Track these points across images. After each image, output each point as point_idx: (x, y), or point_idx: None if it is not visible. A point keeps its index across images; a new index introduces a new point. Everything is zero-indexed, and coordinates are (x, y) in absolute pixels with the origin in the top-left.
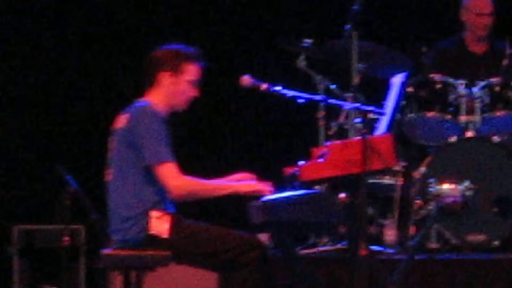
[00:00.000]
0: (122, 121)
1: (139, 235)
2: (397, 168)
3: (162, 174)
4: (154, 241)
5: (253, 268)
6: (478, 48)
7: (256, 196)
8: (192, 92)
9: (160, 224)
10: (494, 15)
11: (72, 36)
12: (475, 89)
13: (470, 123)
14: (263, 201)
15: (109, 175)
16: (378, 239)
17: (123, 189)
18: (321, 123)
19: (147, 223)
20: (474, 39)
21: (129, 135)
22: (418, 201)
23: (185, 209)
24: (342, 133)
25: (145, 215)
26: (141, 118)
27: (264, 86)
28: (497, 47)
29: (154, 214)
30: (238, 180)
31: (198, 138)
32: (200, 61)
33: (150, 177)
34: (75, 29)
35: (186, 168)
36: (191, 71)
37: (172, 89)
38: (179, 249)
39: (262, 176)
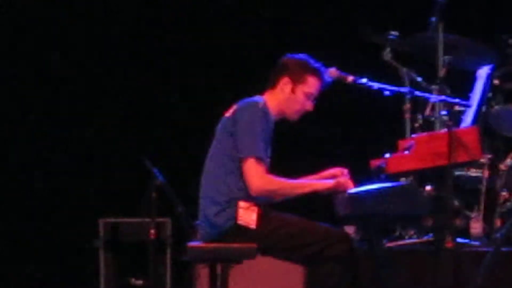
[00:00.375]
0: (231, 110)
1: (226, 223)
2: (483, 160)
3: (248, 169)
4: (241, 231)
5: (339, 261)
6: None
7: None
8: (306, 105)
9: (247, 215)
10: None
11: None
12: None
13: None
14: (349, 194)
15: (208, 160)
16: (464, 232)
17: (216, 175)
18: (407, 115)
19: (235, 212)
20: None
21: (232, 124)
22: (504, 194)
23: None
24: (428, 126)
25: (234, 204)
26: (247, 110)
27: (350, 78)
28: None
29: (242, 204)
30: (332, 176)
31: (285, 134)
32: (323, 78)
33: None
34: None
35: (274, 165)
36: (311, 84)
37: (289, 96)
38: (266, 241)
39: (349, 168)
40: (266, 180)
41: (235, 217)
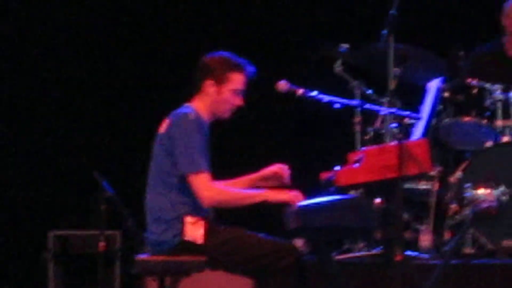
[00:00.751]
0: (164, 126)
1: (173, 240)
2: (432, 173)
3: (195, 184)
4: (189, 246)
5: (288, 274)
6: None
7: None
8: (236, 102)
9: (194, 230)
10: None
11: (114, 39)
12: (511, 94)
13: (507, 128)
14: (298, 207)
15: (149, 177)
16: (413, 244)
17: (159, 193)
18: (357, 128)
19: (182, 228)
20: None
21: (167, 141)
22: (453, 206)
23: (221, 214)
24: (378, 138)
25: (180, 220)
26: (180, 125)
27: (300, 91)
28: None
29: (188, 219)
30: (272, 173)
31: (234, 143)
32: (246, 71)
33: (185, 183)
34: (118, 31)
35: (220, 173)
36: (236, 81)
37: (215, 97)
38: (214, 255)
39: (298, 181)
40: (215, 191)
41: (182, 232)
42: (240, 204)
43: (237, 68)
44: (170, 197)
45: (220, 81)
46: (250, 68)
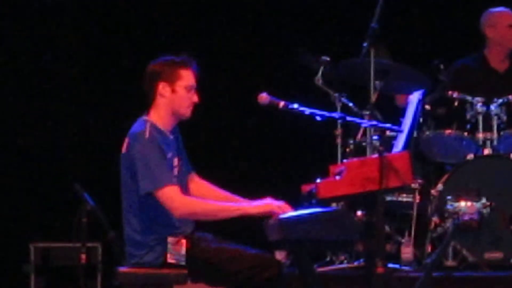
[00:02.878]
0: (124, 145)
1: (156, 261)
2: (414, 185)
3: (162, 198)
4: (171, 266)
5: (269, 286)
6: (500, 65)
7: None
8: (192, 98)
9: (177, 251)
10: None
11: (89, 55)
12: (492, 107)
13: (488, 140)
14: (280, 219)
15: (122, 199)
16: (395, 257)
17: (133, 215)
18: (339, 140)
19: (163, 250)
20: (500, 55)
21: (129, 162)
22: (435, 219)
23: (203, 226)
24: (359, 151)
25: (161, 241)
26: (135, 146)
27: (281, 103)
28: None
29: (170, 240)
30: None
31: (214, 155)
32: (192, 67)
33: (152, 204)
34: (92, 46)
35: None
36: (186, 77)
37: (172, 97)
38: (196, 270)
39: (279, 193)
40: (185, 201)
41: (164, 254)
42: (215, 217)
43: (184, 64)
44: (144, 218)
45: (171, 80)
46: (194, 63)
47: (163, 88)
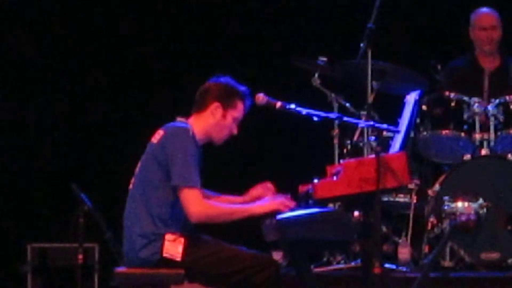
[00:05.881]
0: (157, 136)
1: (152, 257)
2: (411, 186)
3: (186, 199)
4: (167, 263)
5: (266, 287)
6: (489, 64)
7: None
8: (233, 129)
9: (173, 248)
10: (499, 29)
11: (94, 53)
12: (489, 107)
13: (485, 141)
14: (277, 219)
15: (132, 186)
16: (392, 257)
17: (141, 205)
18: (336, 141)
19: (161, 245)
20: (483, 55)
21: (160, 152)
22: (432, 219)
23: (200, 227)
24: (356, 151)
25: (159, 236)
26: (176, 137)
27: (278, 104)
28: (508, 63)
29: (168, 237)
30: (259, 196)
31: (212, 155)
32: (247, 102)
33: (170, 197)
34: (102, 48)
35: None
36: (239, 109)
37: (218, 121)
38: (193, 270)
39: (277, 193)
40: (204, 206)
41: (161, 250)
42: (228, 219)
43: (243, 97)
44: (151, 211)
45: (227, 106)
46: (250, 99)
47: (216, 108)
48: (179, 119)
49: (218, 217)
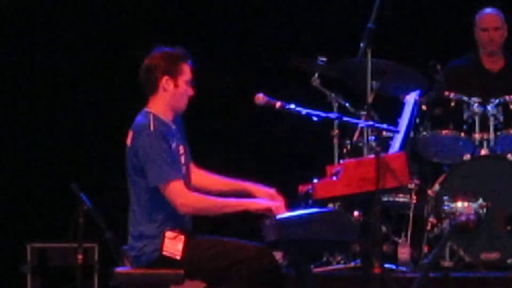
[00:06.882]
0: (129, 137)
1: (152, 255)
2: (411, 186)
3: (168, 193)
4: (167, 261)
5: (266, 278)
6: (493, 65)
7: (268, 213)
8: (190, 92)
9: (173, 245)
10: (503, 30)
11: (94, 53)
12: (489, 107)
13: (484, 141)
14: (276, 219)
15: (129, 192)
16: (391, 257)
17: (136, 207)
18: (335, 141)
19: (161, 243)
20: (486, 56)
21: (133, 156)
22: (432, 219)
23: (200, 225)
24: (356, 151)
25: (159, 234)
26: (140, 137)
27: (278, 104)
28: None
29: (168, 234)
30: (268, 195)
31: (211, 156)
32: (190, 60)
33: (159, 195)
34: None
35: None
36: (187, 71)
37: (174, 92)
38: (192, 267)
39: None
40: (190, 198)
41: (161, 248)
42: (218, 212)
43: (185, 58)
44: (147, 211)
45: (175, 74)
46: (190, 56)
47: (166, 82)
48: (144, 110)
49: (207, 209)
